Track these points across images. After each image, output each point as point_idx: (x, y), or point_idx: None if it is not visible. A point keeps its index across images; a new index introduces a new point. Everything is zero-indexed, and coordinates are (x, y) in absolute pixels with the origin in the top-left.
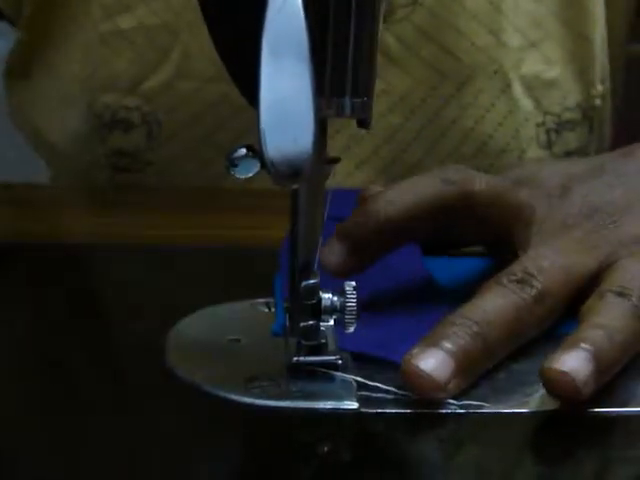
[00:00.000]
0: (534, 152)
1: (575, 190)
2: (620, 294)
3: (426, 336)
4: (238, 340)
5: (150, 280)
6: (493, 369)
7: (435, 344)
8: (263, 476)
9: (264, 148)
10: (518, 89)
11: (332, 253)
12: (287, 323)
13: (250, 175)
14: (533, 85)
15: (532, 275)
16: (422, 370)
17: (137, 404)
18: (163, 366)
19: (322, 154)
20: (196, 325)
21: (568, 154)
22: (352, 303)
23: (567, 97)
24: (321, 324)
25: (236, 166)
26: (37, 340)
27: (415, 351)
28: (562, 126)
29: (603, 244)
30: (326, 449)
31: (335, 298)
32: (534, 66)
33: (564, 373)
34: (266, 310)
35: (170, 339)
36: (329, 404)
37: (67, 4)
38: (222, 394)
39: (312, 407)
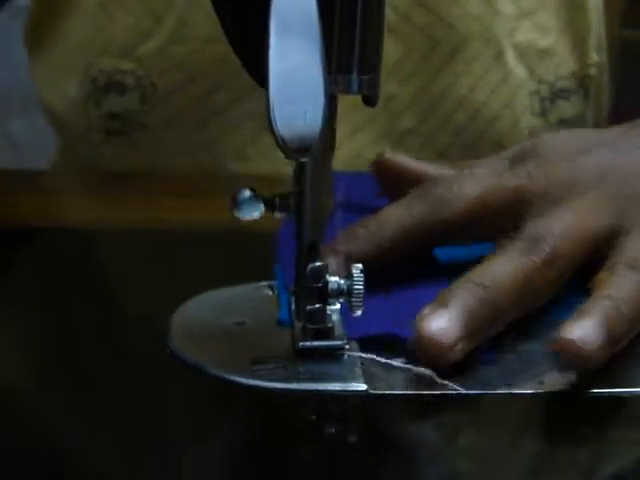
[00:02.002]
0: (528, 120)
1: (584, 157)
2: (631, 267)
3: (435, 299)
4: (243, 323)
5: (151, 264)
6: (502, 350)
7: (444, 306)
8: (269, 459)
9: (273, 122)
10: (511, 57)
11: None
12: (293, 307)
13: (254, 217)
14: (527, 53)
15: (541, 238)
16: (432, 331)
17: (141, 387)
18: (167, 349)
19: (331, 130)
20: (200, 308)
21: (563, 122)
22: (359, 286)
23: (561, 66)
24: (328, 307)
25: (240, 209)
26: (40, 324)
27: (426, 312)
28: (556, 95)
29: (614, 206)
30: (333, 431)
31: (342, 281)
32: (528, 34)
33: (573, 341)
34: (270, 293)
35: (174, 322)
36: (337, 386)
37: None
38: (227, 376)
39: (319, 389)
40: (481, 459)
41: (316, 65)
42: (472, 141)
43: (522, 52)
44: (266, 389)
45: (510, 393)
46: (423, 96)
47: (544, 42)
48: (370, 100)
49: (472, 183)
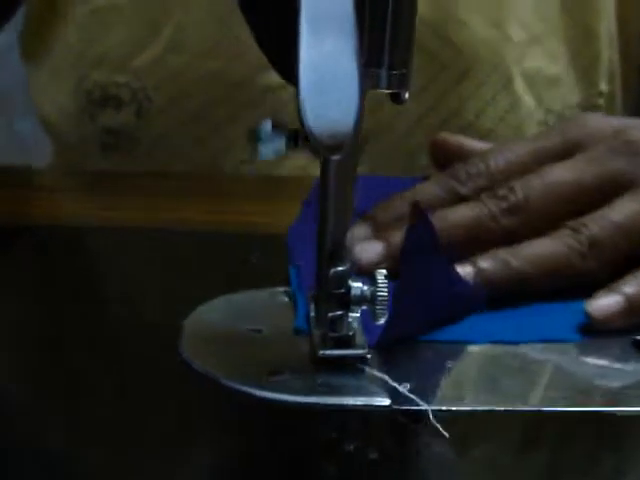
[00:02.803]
0: None
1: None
2: None
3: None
4: (259, 330)
5: (161, 267)
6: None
7: (385, 237)
8: (286, 476)
9: (303, 115)
10: (520, 84)
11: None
12: (312, 313)
13: (273, 157)
14: (535, 81)
15: (513, 190)
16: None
17: (149, 398)
18: (178, 357)
19: (361, 127)
20: (213, 314)
21: None
22: (383, 293)
23: (568, 95)
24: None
25: (261, 143)
26: (41, 328)
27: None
28: None
29: (613, 162)
30: (354, 449)
31: (365, 287)
32: (537, 61)
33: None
34: (286, 299)
35: (185, 329)
36: (359, 400)
37: None
38: (242, 388)
39: (340, 403)
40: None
41: (350, 54)
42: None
43: (531, 80)
44: (282, 402)
45: (539, 410)
46: (429, 118)
47: (553, 70)
48: (399, 98)
49: (501, 156)
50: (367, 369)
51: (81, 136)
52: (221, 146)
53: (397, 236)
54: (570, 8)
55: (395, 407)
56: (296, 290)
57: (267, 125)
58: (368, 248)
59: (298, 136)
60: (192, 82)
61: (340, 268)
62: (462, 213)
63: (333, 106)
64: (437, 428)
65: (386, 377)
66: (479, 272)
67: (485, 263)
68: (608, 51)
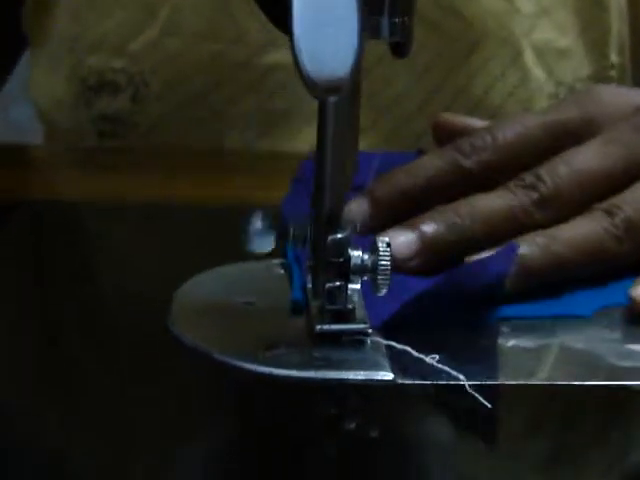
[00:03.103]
0: None
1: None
2: None
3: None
4: (252, 303)
5: (151, 240)
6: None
7: (411, 226)
8: (284, 454)
9: (297, 55)
10: (530, 57)
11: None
12: (309, 284)
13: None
14: (545, 53)
15: (541, 180)
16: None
17: (139, 374)
18: (168, 332)
19: (360, 69)
20: (204, 286)
21: None
22: (386, 262)
23: (579, 67)
24: (349, 286)
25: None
26: (36, 304)
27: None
28: None
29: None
30: (354, 425)
31: (366, 256)
32: (546, 33)
33: None
34: (282, 271)
35: (175, 302)
36: (360, 374)
37: None
38: (236, 363)
39: (340, 377)
40: (516, 454)
41: None
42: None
43: (540, 52)
44: (279, 377)
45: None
46: (435, 97)
47: (563, 42)
48: (401, 49)
49: (510, 129)
50: (374, 340)
51: (77, 124)
52: (220, 129)
53: (430, 226)
54: None
55: (400, 381)
56: (292, 261)
57: (256, 224)
58: (399, 239)
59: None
60: (189, 65)
61: (338, 235)
62: (491, 204)
63: (330, 44)
64: (477, 398)
65: (408, 348)
66: (519, 258)
67: (524, 248)
68: (618, 23)
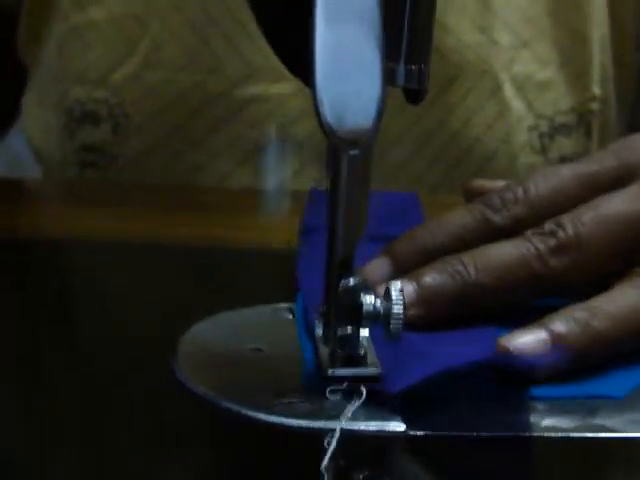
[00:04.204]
0: (527, 157)
1: None
2: None
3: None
4: (260, 350)
5: (156, 281)
6: None
7: (415, 275)
8: None
9: (319, 105)
10: (509, 90)
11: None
12: (316, 330)
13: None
14: (525, 86)
15: (562, 226)
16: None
17: (143, 422)
18: (174, 379)
19: (381, 122)
20: (211, 331)
21: (564, 161)
22: (399, 308)
23: (560, 100)
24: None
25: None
26: (34, 341)
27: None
28: (556, 130)
29: None
30: (362, 476)
31: (378, 302)
32: (526, 66)
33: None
34: (290, 317)
35: (181, 347)
36: (372, 425)
37: None
38: (244, 412)
39: (351, 428)
40: None
41: (372, 40)
42: (466, 179)
43: (520, 85)
44: (288, 427)
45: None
46: (414, 130)
47: (543, 74)
48: (416, 96)
49: (543, 181)
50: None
51: (62, 156)
52: (200, 161)
53: (431, 275)
54: (558, 12)
55: (412, 432)
56: (299, 319)
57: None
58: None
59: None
60: (170, 97)
61: (351, 280)
62: (503, 251)
63: (352, 96)
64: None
65: None
66: (556, 337)
67: (561, 326)
68: (600, 54)
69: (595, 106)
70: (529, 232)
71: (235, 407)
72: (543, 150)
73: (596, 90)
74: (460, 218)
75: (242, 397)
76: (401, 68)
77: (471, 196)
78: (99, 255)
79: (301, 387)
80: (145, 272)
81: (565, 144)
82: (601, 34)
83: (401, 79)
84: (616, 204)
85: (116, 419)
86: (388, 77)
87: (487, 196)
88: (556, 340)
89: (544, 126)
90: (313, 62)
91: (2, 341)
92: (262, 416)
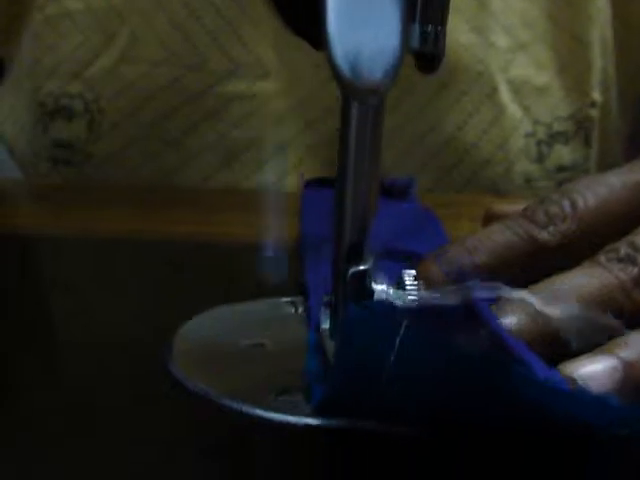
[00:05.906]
0: (523, 165)
1: None
2: None
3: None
4: (262, 345)
5: (151, 275)
6: None
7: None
8: None
9: (333, 54)
10: (505, 94)
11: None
12: (322, 325)
13: None
14: (522, 90)
15: (637, 249)
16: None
17: (137, 422)
18: (169, 376)
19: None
20: (209, 326)
21: (562, 170)
22: (412, 297)
23: (558, 106)
24: None
25: None
26: (24, 340)
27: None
28: (554, 138)
29: None
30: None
31: (391, 290)
32: (523, 70)
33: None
34: (292, 311)
35: (177, 342)
36: (374, 423)
37: None
38: (245, 409)
39: (354, 426)
40: None
41: None
42: (460, 185)
43: (517, 89)
44: (292, 425)
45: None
46: (404, 135)
47: (540, 79)
48: (431, 64)
49: (591, 191)
50: None
51: (34, 150)
52: (178, 160)
53: (633, 352)
54: (557, 15)
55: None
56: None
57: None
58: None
59: None
60: (148, 93)
61: (360, 267)
62: (580, 284)
63: (368, 44)
64: None
65: None
66: (626, 366)
67: (629, 353)
68: (601, 59)
69: (594, 113)
70: (602, 258)
71: (234, 405)
72: (540, 159)
73: (596, 96)
74: (500, 235)
75: (242, 394)
76: (416, 29)
77: (490, 222)
78: (79, 252)
79: (306, 383)
80: (125, 268)
81: (563, 152)
82: (602, 38)
83: (416, 42)
84: None
85: (109, 417)
86: None
87: (530, 210)
88: (625, 369)
89: (541, 133)
90: (325, 9)
91: None
92: (263, 414)
